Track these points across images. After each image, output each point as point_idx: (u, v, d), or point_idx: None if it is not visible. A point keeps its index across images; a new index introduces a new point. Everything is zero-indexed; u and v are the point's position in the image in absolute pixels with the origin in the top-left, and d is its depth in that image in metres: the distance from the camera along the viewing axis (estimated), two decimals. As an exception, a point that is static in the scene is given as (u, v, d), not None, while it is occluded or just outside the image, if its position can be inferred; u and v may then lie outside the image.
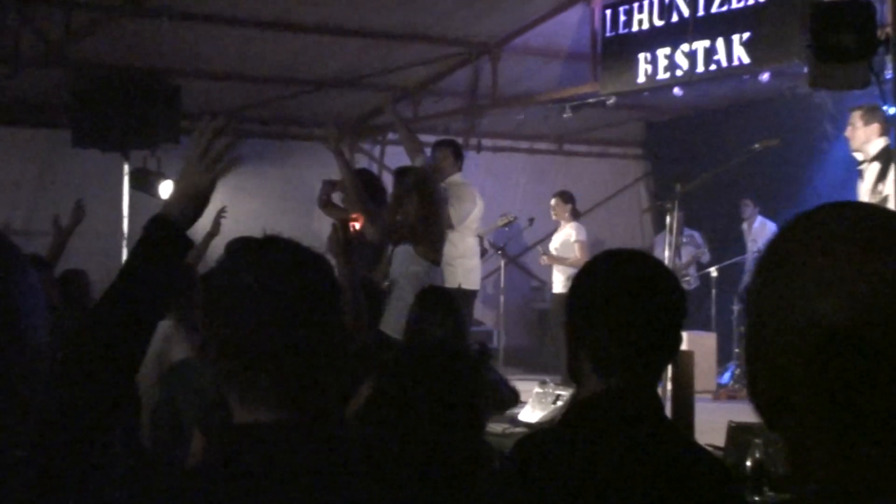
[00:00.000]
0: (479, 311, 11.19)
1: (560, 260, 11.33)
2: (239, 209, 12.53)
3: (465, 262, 9.08)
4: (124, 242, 10.79)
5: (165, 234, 2.18)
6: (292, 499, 1.77)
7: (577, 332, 2.43)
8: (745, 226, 12.43)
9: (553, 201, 11.74)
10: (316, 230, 9.58)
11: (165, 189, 11.04)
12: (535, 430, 2.53)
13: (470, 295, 9.08)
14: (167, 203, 2.27)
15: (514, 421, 8.53)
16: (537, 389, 8.69)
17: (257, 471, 1.78)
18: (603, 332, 2.38)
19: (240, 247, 1.97)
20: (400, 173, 8.31)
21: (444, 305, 5.43)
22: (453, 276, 8.66)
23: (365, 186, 7.84)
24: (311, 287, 1.90)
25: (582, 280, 2.49)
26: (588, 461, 2.30)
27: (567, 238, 11.46)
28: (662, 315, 2.42)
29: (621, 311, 2.38)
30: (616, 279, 2.43)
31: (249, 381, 1.85)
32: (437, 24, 10.70)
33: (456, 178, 9.27)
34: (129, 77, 10.36)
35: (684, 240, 12.61)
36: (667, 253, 8.71)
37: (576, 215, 11.70)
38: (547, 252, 11.61)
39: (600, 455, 2.30)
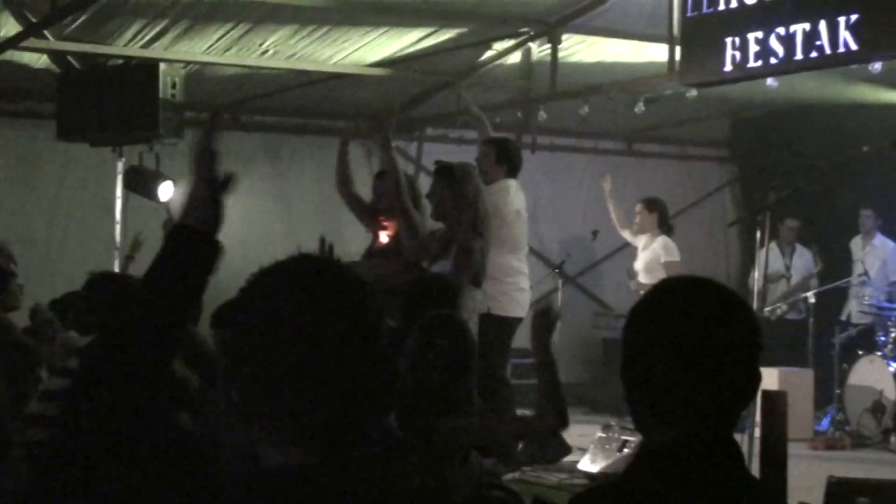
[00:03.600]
0: (528, 341, 11.13)
1: (645, 287, 10.97)
2: (248, 210, 12.64)
3: (497, 285, 8.99)
4: (116, 253, 10.86)
5: (188, 241, 2.39)
6: None
7: (633, 374, 2.42)
8: (856, 241, 12.34)
9: (637, 208, 11.54)
10: (340, 233, 9.59)
11: (165, 191, 11.11)
12: (594, 486, 2.49)
13: (502, 322, 8.98)
14: (182, 212, 2.49)
15: (573, 471, 8.55)
16: (600, 434, 8.70)
17: None
18: (658, 375, 2.38)
19: (270, 269, 2.02)
20: (441, 172, 8.36)
21: (451, 336, 5.20)
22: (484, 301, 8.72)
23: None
24: (349, 315, 1.95)
25: (636, 314, 2.48)
26: None
27: (654, 257, 11.09)
28: (730, 352, 2.41)
29: (679, 350, 2.38)
30: (672, 313, 2.43)
31: (284, 421, 1.91)
32: (485, 0, 10.70)
33: (499, 184, 9.30)
34: (124, 62, 10.44)
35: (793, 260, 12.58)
36: (756, 274, 8.69)
37: (665, 228, 11.36)
38: (634, 276, 11.29)
39: None
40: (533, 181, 10.03)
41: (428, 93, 12.96)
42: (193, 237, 2.40)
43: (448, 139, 13.59)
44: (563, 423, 5.02)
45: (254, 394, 1.92)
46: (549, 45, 11.43)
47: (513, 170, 9.46)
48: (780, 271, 12.58)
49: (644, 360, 2.41)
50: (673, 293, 2.49)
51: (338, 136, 9.77)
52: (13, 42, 10.11)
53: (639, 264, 11.27)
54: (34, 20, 9.63)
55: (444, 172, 8.39)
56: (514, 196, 9.43)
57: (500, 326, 8.94)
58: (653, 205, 11.44)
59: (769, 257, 11.93)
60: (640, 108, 11.69)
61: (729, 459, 2.40)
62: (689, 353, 2.37)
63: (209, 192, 2.47)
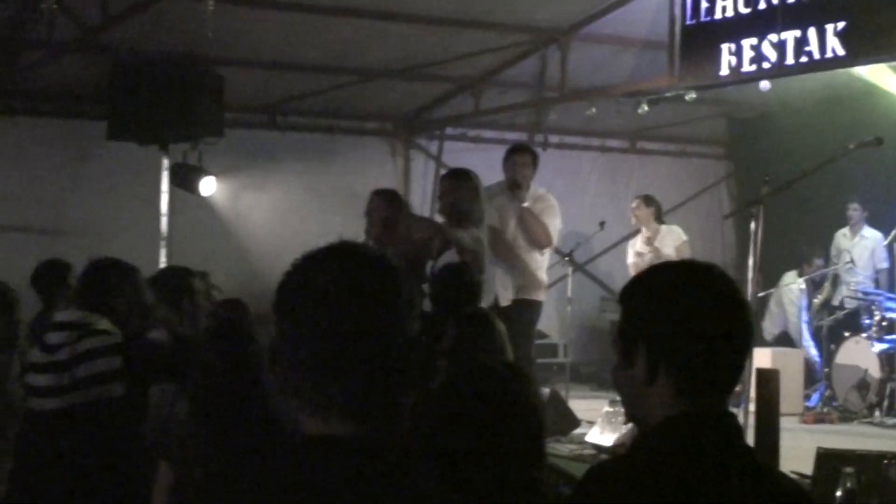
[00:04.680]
0: (545, 323, 11.14)
1: None
2: (285, 206, 12.66)
3: (527, 275, 9.14)
4: (162, 243, 10.88)
5: None
6: None
7: (659, 351, 2.38)
8: (844, 232, 12.31)
9: (634, 203, 11.63)
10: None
11: (206, 186, 11.12)
12: (609, 458, 2.46)
13: (530, 306, 9.16)
14: None
15: (582, 443, 8.54)
16: (607, 409, 8.67)
17: (327, 484, 1.86)
18: (697, 352, 2.36)
19: (310, 254, 2.02)
20: (458, 175, 8.41)
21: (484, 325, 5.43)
22: (535, 291, 8.93)
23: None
24: (384, 295, 1.96)
25: (662, 295, 2.44)
26: (668, 492, 2.27)
27: (670, 242, 11.30)
28: (748, 331, 2.43)
29: (717, 328, 2.37)
30: (705, 293, 2.41)
31: (320, 392, 1.92)
32: (500, 10, 10.68)
33: (538, 188, 9.38)
34: (169, 65, 10.44)
35: None
36: (750, 261, 8.64)
37: (660, 220, 11.57)
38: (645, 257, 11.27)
39: (682, 485, 2.27)
40: (545, 177, 9.98)
41: (448, 95, 12.96)
42: None
43: (466, 138, 13.58)
44: None
45: (294, 368, 1.94)
46: (559, 52, 11.40)
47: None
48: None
49: (678, 337, 2.37)
50: (700, 274, 2.47)
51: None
52: (68, 46, 10.13)
53: (647, 251, 11.30)
54: (87, 25, 9.64)
55: (458, 175, 8.44)
56: (553, 198, 9.50)
57: (527, 310, 9.07)
58: (649, 200, 11.59)
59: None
60: (643, 109, 11.63)
61: (735, 433, 2.39)
62: (725, 330, 2.38)
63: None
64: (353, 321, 1.92)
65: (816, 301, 12.34)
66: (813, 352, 11.95)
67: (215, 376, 4.42)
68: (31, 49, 10.58)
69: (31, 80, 11.10)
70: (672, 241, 11.27)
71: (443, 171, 11.32)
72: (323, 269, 1.98)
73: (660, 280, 2.49)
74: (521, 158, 9.32)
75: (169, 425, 4.97)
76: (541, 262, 9.31)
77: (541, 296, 9.32)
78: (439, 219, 8.56)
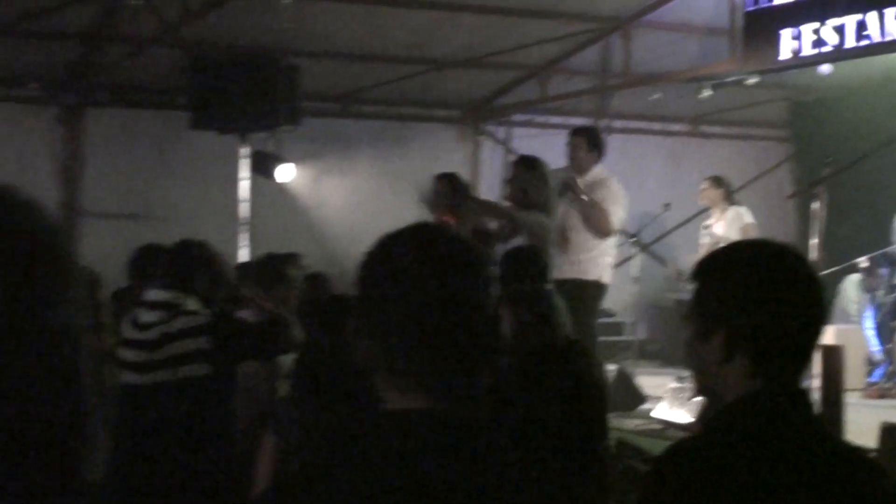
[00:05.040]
0: (612, 302, 11.13)
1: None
2: (357, 192, 12.75)
3: (591, 257, 8.98)
4: (241, 227, 11.02)
5: None
6: (440, 488, 1.85)
7: (737, 329, 2.38)
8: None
9: (704, 184, 11.48)
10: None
11: (283, 172, 11.24)
12: (688, 437, 2.43)
13: (593, 287, 8.98)
14: None
15: (649, 418, 8.56)
16: (674, 385, 8.69)
17: (409, 458, 1.87)
18: (774, 330, 2.34)
19: (392, 234, 2.05)
20: (528, 162, 8.40)
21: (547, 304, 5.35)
22: (594, 270, 8.78)
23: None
24: (464, 273, 1.98)
25: (741, 273, 2.41)
26: (750, 469, 2.25)
27: (728, 227, 11.07)
28: (823, 309, 2.42)
29: (794, 307, 2.36)
30: (782, 272, 2.39)
31: (402, 367, 1.93)
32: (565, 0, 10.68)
33: (597, 171, 9.04)
34: (247, 57, 10.56)
35: None
36: (813, 241, 8.59)
37: (730, 201, 11.34)
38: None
39: (763, 462, 2.25)
40: (609, 161, 9.94)
41: (515, 83, 12.99)
42: None
43: (533, 124, 13.57)
44: None
45: (377, 344, 1.95)
46: (622, 39, 11.38)
47: (600, 155, 9.22)
48: None
49: (756, 315, 2.35)
50: (774, 254, 2.45)
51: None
52: (150, 41, 10.26)
53: (720, 231, 11.17)
54: (169, 21, 9.76)
55: (527, 162, 8.44)
56: (616, 183, 9.21)
57: (591, 290, 8.92)
58: (719, 181, 11.41)
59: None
60: (704, 93, 11.57)
61: (806, 407, 2.38)
62: (803, 308, 2.36)
63: None
64: (435, 298, 1.93)
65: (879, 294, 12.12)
66: (873, 342, 11.71)
67: (318, 352, 4.50)
68: (116, 44, 10.75)
69: (118, 73, 11.29)
70: (738, 224, 11.11)
71: (510, 157, 11.32)
72: (405, 247, 1.99)
73: (738, 258, 2.47)
74: (573, 140, 9.17)
75: (270, 400, 5.06)
76: (599, 245, 9.09)
77: (600, 276, 9.12)
78: (507, 203, 8.57)
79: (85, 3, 9.78)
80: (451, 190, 8.28)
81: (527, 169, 8.29)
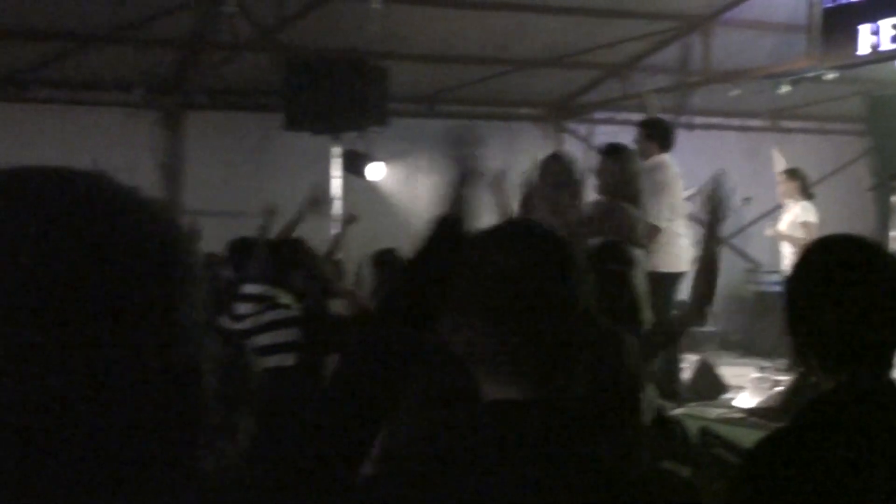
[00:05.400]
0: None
1: (785, 237, 10.85)
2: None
3: (660, 247, 8.86)
4: (334, 224, 11.12)
5: (451, 230, 2.41)
6: (537, 479, 1.85)
7: (801, 325, 2.39)
8: None
9: (780, 178, 11.30)
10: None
11: (373, 171, 11.33)
12: (781, 428, 2.39)
13: (666, 277, 8.87)
14: (444, 203, 2.54)
15: (731, 407, 8.50)
16: (755, 375, 8.63)
17: (509, 448, 1.87)
18: (828, 325, 2.34)
19: (487, 230, 2.09)
20: (613, 151, 8.31)
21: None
22: (666, 260, 8.68)
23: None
24: (561, 267, 1.99)
25: (801, 268, 2.45)
26: (849, 459, 2.24)
27: (794, 218, 10.86)
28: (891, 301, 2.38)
29: (845, 300, 2.34)
30: (839, 265, 2.39)
31: (504, 360, 1.94)
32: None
33: (655, 160, 9.00)
34: (338, 60, 10.66)
35: None
36: (893, 234, 8.48)
37: (806, 195, 11.11)
38: (776, 230, 11.08)
39: (863, 452, 2.24)
40: (689, 157, 9.89)
41: (596, 81, 12.96)
42: (456, 226, 2.40)
43: (614, 121, 13.52)
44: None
45: (474, 337, 1.96)
46: (702, 37, 11.30)
47: (664, 146, 9.19)
48: None
49: (811, 311, 2.36)
50: (837, 246, 2.45)
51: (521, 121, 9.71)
52: (246, 46, 10.41)
53: (782, 224, 11.06)
54: (264, 27, 9.90)
55: (614, 152, 8.32)
56: (669, 169, 9.23)
57: (664, 280, 8.84)
58: (793, 174, 11.25)
59: None
60: (783, 89, 11.44)
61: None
62: (854, 302, 2.34)
63: (463, 184, 2.50)
64: (532, 293, 1.94)
65: None
66: None
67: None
68: (214, 50, 10.92)
69: (216, 78, 11.47)
70: (801, 220, 10.81)
71: (591, 154, 11.27)
72: (501, 243, 2.00)
73: (823, 252, 2.47)
74: (637, 130, 9.19)
75: None
76: (665, 233, 8.98)
77: (674, 265, 8.90)
78: (595, 197, 8.48)
79: (184, 11, 9.96)
80: (564, 171, 8.10)
81: (611, 158, 8.20)
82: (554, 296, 1.96)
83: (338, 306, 6.16)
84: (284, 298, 5.51)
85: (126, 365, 0.99)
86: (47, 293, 0.96)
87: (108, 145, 11.37)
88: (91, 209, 1.02)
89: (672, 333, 4.85)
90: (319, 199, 8.21)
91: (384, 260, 7.24)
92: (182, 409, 1.03)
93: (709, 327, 12.49)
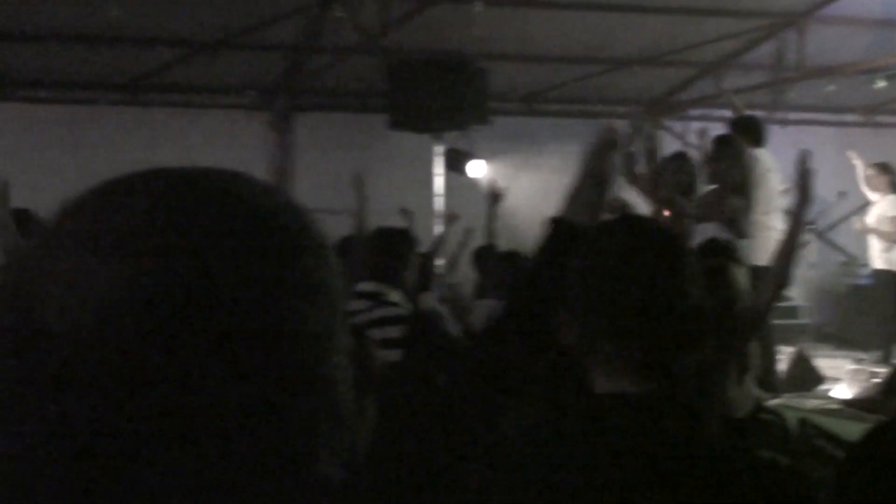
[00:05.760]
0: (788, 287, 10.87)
1: (872, 231, 10.71)
2: (544, 186, 12.78)
3: (769, 242, 8.76)
4: (437, 221, 11.18)
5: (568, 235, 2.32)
6: (651, 470, 1.85)
7: None
8: None
9: (870, 172, 11.11)
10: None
11: (474, 168, 11.36)
12: (888, 421, 2.31)
13: (757, 270, 8.73)
14: (567, 207, 2.42)
15: (827, 398, 8.37)
16: (851, 366, 8.49)
17: (622, 441, 1.88)
18: None
19: (601, 225, 2.11)
20: (723, 142, 8.19)
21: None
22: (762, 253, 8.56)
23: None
24: (671, 262, 1.99)
25: None
26: None
27: (883, 213, 10.62)
28: None
29: None
30: None
31: (617, 353, 1.95)
32: (742, -3, 10.52)
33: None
34: (440, 62, 10.71)
35: None
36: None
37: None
38: (864, 224, 10.87)
39: None
40: (785, 152, 9.73)
41: (692, 79, 12.85)
42: (574, 232, 2.30)
43: (710, 118, 13.37)
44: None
45: (586, 333, 1.98)
46: (796, 33, 11.13)
47: (756, 141, 9.05)
48: None
49: None
50: None
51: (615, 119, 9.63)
52: (353, 49, 10.51)
53: (870, 218, 10.85)
54: (368, 31, 9.97)
55: (721, 141, 8.21)
56: (759, 164, 9.09)
57: (756, 273, 8.69)
58: (883, 168, 11.02)
59: None
60: (879, 84, 11.22)
61: None
62: None
63: (596, 189, 2.41)
64: (645, 287, 1.94)
65: None
66: None
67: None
68: (322, 53, 11.05)
69: (323, 80, 11.61)
70: (888, 215, 10.57)
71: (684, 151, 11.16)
72: (614, 238, 2.01)
73: None
74: (729, 130, 9.09)
75: None
76: (762, 225, 8.82)
77: (759, 260, 8.80)
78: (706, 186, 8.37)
79: (293, 17, 10.10)
80: (687, 170, 8.03)
81: (721, 148, 8.10)
82: (666, 290, 1.96)
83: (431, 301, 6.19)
84: (393, 296, 5.56)
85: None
86: (242, 292, 0.91)
87: (222, 146, 11.58)
88: (283, 209, 1.03)
89: (757, 312, 4.72)
90: (454, 214, 8.34)
91: (484, 255, 7.27)
92: (296, 426, 0.94)
93: (803, 320, 12.31)
